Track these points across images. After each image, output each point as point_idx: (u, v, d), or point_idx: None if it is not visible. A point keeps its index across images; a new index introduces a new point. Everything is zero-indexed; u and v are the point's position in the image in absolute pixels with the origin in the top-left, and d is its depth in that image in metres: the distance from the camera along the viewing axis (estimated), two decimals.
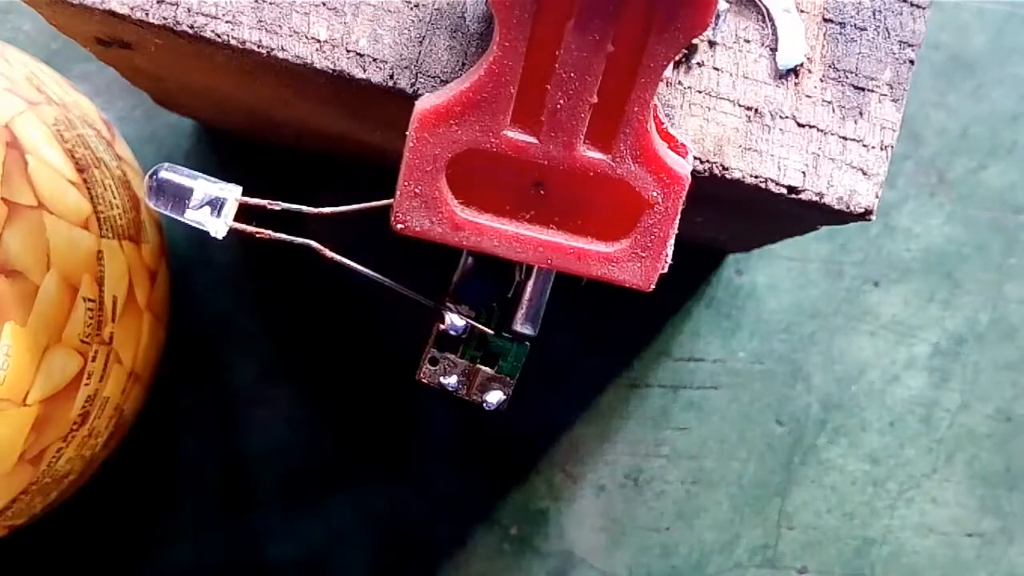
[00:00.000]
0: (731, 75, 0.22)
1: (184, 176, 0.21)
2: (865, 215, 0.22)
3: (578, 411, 0.38)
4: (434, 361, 0.24)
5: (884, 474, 0.38)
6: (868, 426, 0.38)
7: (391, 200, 0.20)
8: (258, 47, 0.21)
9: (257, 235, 0.21)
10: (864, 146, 0.22)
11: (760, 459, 0.38)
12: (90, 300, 0.28)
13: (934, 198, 0.39)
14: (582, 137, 0.20)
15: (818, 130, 0.22)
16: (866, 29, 0.22)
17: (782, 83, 0.22)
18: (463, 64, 0.21)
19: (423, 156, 0.20)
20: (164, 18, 0.21)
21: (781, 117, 0.22)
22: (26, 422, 0.26)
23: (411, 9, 0.21)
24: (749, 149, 0.22)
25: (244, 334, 0.38)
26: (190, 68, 0.26)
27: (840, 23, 0.22)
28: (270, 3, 0.21)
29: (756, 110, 0.22)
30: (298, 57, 0.21)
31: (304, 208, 0.22)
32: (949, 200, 0.39)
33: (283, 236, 0.22)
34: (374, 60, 0.21)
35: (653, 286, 0.21)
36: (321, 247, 0.22)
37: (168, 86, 0.31)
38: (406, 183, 0.20)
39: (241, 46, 0.21)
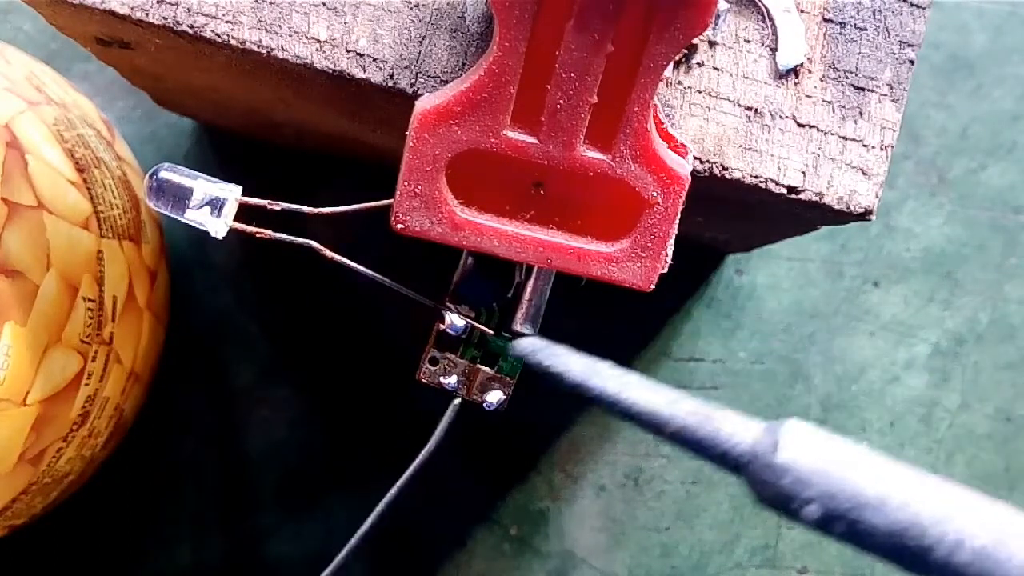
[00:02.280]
0: (731, 75, 0.22)
1: (184, 176, 0.21)
2: (865, 215, 0.22)
3: (578, 411, 0.38)
4: (434, 361, 0.24)
5: None
6: (868, 426, 0.38)
7: (391, 200, 0.20)
8: (258, 47, 0.21)
9: (257, 235, 0.21)
10: (864, 146, 0.22)
11: None
12: (90, 300, 0.28)
13: (934, 198, 0.39)
14: (582, 137, 0.20)
15: (818, 130, 0.22)
16: (866, 29, 0.22)
17: (782, 83, 0.22)
18: (463, 64, 0.21)
19: (423, 156, 0.20)
20: (164, 18, 0.21)
21: (781, 117, 0.22)
22: (26, 422, 0.26)
23: (411, 9, 0.21)
24: (749, 149, 0.22)
25: (244, 334, 0.38)
26: (190, 68, 0.26)
27: (840, 23, 0.22)
28: (270, 3, 0.21)
29: (756, 110, 0.22)
30: (298, 57, 0.21)
31: (304, 208, 0.22)
32: (949, 200, 0.39)
33: (283, 236, 0.22)
34: (374, 60, 0.21)
35: (653, 286, 0.21)
36: (321, 247, 0.22)
37: (168, 86, 0.31)
38: (406, 183, 0.20)
39: (241, 46, 0.21)
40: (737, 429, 0.18)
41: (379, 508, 0.22)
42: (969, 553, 0.16)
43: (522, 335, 0.24)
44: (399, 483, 0.22)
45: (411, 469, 0.22)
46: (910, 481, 0.16)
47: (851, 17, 0.22)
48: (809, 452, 0.17)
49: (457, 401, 0.22)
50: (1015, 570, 0.15)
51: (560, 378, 0.19)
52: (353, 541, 0.22)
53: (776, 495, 0.16)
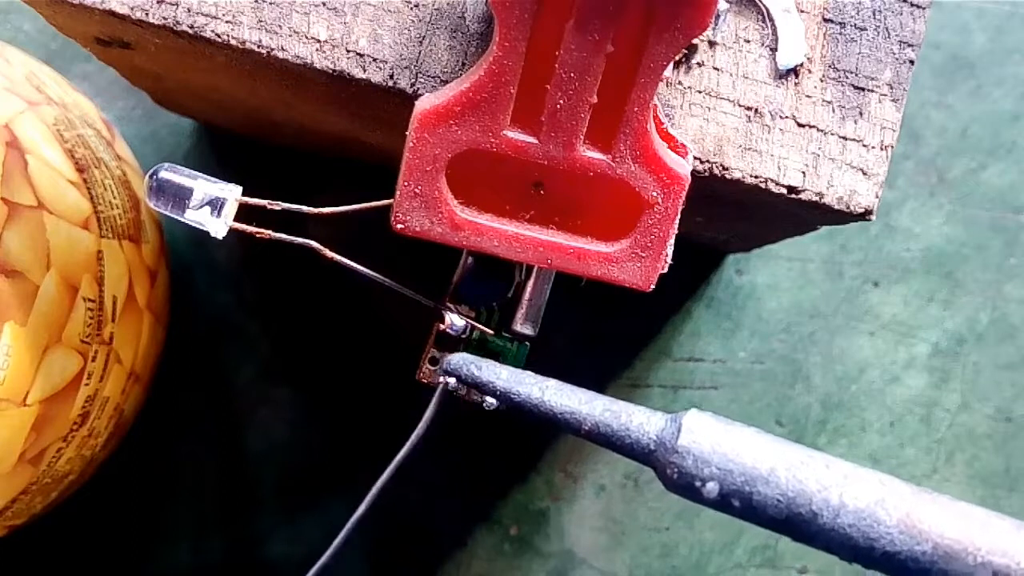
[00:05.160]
0: (731, 75, 0.22)
1: (184, 176, 0.21)
2: (865, 215, 0.22)
3: None
4: (434, 361, 0.24)
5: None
6: (868, 426, 0.38)
7: (391, 200, 0.20)
8: (258, 47, 0.21)
9: (257, 235, 0.21)
10: (864, 146, 0.22)
11: None
12: (90, 300, 0.28)
13: (934, 198, 0.39)
14: (582, 137, 0.20)
15: (818, 130, 0.22)
16: (866, 29, 0.22)
17: (782, 83, 0.22)
18: (463, 64, 0.21)
19: (423, 156, 0.20)
20: (164, 18, 0.21)
21: (781, 117, 0.22)
22: (26, 422, 0.26)
23: (411, 9, 0.21)
24: (749, 149, 0.22)
25: (244, 334, 0.38)
26: (190, 68, 0.26)
27: (840, 23, 0.22)
28: (270, 3, 0.21)
29: (756, 110, 0.22)
30: (298, 57, 0.21)
31: (304, 208, 0.22)
32: (949, 200, 0.39)
33: (283, 236, 0.22)
34: (374, 60, 0.21)
35: (653, 286, 0.21)
36: (321, 247, 0.22)
37: (168, 86, 0.31)
38: (406, 183, 0.20)
39: (241, 46, 0.21)
40: (645, 420, 0.19)
41: (373, 490, 0.23)
42: (852, 515, 0.17)
43: (522, 335, 0.24)
44: (392, 463, 0.23)
45: (403, 450, 0.23)
46: (796, 456, 0.18)
47: (851, 17, 0.22)
48: (707, 436, 0.18)
49: (444, 383, 0.23)
50: (894, 528, 0.17)
51: (491, 387, 0.21)
52: (348, 526, 0.22)
53: (680, 476, 0.18)
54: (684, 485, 0.19)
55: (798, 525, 0.18)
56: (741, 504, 0.18)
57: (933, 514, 0.17)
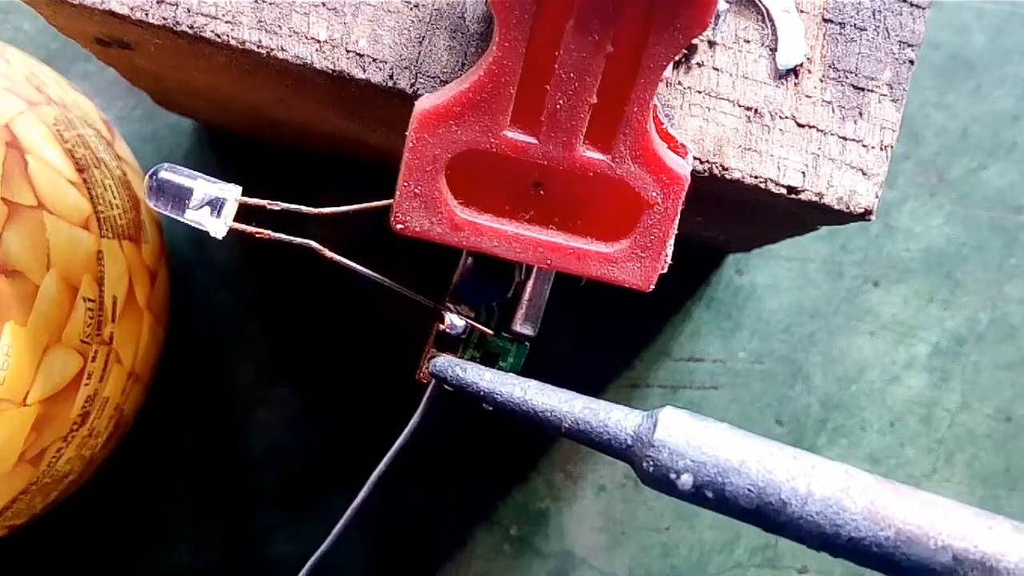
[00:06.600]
0: (731, 75, 0.22)
1: (184, 176, 0.21)
2: (865, 215, 0.22)
3: None
4: None
5: (884, 474, 0.38)
6: (868, 426, 0.38)
7: (391, 200, 0.20)
8: (258, 47, 0.21)
9: (257, 235, 0.21)
10: (864, 146, 0.22)
11: None
12: (90, 300, 0.28)
13: (934, 198, 0.39)
14: (582, 137, 0.20)
15: (818, 130, 0.22)
16: (866, 29, 0.22)
17: (782, 83, 0.22)
18: (463, 64, 0.21)
19: (423, 156, 0.20)
20: (164, 18, 0.21)
21: (781, 117, 0.22)
22: (26, 422, 0.26)
23: (411, 9, 0.21)
24: (749, 149, 0.22)
25: (244, 334, 0.38)
26: (190, 68, 0.26)
27: (840, 23, 0.22)
28: (270, 3, 0.21)
29: (756, 110, 0.22)
30: (298, 57, 0.21)
31: (304, 208, 0.22)
32: (949, 200, 0.39)
33: (283, 236, 0.22)
34: (374, 60, 0.21)
35: (653, 286, 0.21)
36: (321, 247, 0.22)
37: (168, 86, 0.31)
38: (406, 183, 0.20)
39: (241, 46, 0.21)
40: (622, 417, 0.20)
41: (371, 480, 0.23)
42: (819, 503, 0.18)
43: (522, 335, 0.24)
44: (387, 457, 0.23)
45: (397, 443, 0.23)
46: (766, 448, 0.19)
47: (851, 17, 0.22)
48: (682, 430, 0.19)
49: (434, 382, 0.23)
50: (859, 515, 0.18)
51: (475, 388, 0.22)
52: (342, 523, 0.23)
53: (656, 469, 0.19)
54: (659, 478, 0.19)
55: (768, 514, 0.19)
56: (714, 495, 0.19)
57: (896, 502, 0.18)
